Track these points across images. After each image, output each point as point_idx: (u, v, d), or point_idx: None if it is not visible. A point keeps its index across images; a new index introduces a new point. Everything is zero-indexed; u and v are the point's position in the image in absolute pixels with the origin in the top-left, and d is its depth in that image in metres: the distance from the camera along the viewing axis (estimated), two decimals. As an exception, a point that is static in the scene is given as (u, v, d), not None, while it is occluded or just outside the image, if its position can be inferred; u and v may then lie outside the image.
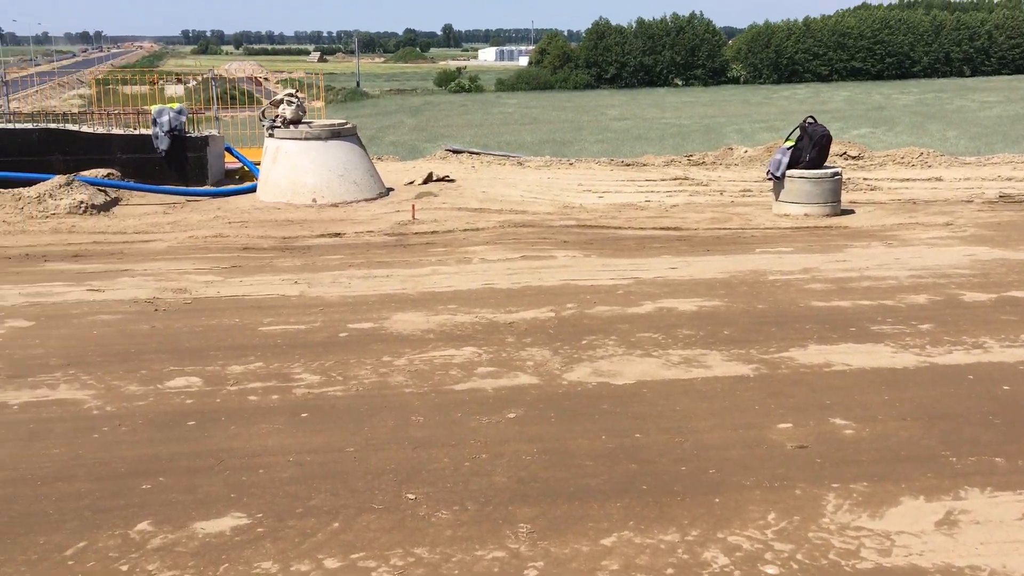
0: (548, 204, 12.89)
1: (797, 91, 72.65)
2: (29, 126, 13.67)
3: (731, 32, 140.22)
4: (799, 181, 11.79)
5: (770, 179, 12.15)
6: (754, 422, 5.31)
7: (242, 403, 5.62)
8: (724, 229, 11.10)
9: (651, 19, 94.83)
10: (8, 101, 15.98)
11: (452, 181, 14.47)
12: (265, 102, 15.62)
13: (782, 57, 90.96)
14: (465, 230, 11.07)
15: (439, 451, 4.95)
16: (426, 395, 5.75)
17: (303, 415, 5.44)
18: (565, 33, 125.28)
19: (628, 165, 17.49)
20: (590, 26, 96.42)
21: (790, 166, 11.84)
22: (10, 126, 13.63)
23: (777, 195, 12.07)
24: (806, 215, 11.72)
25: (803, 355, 6.45)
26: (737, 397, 5.70)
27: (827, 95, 65.20)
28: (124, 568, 3.84)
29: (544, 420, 5.38)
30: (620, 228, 11.23)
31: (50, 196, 11.88)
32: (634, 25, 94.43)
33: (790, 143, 11.90)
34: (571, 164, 17.73)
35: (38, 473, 4.68)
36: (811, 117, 12.23)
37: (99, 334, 6.95)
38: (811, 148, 11.82)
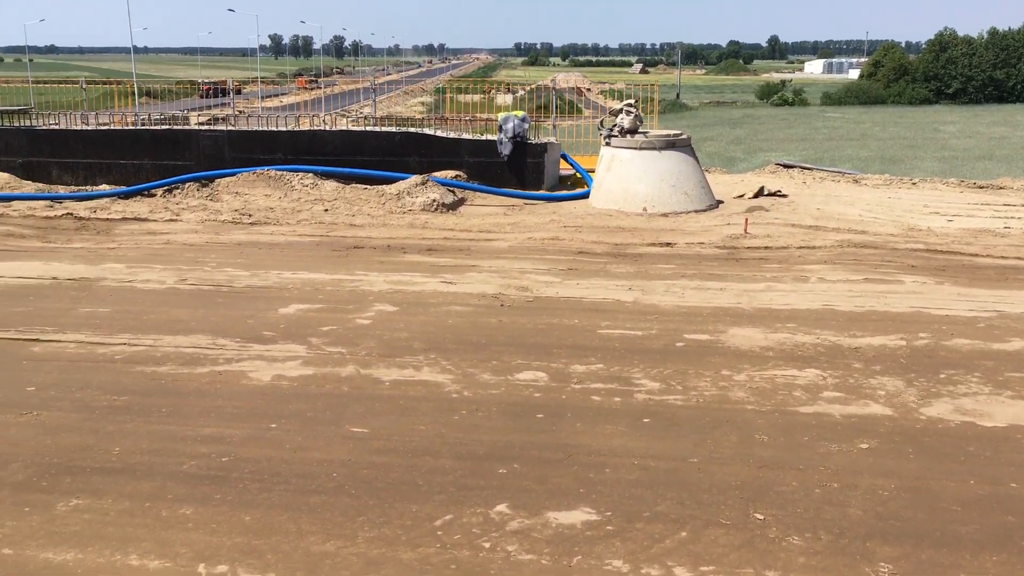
0: (891, 225, 12.09)
1: None
2: (392, 129, 15.07)
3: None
4: None
5: None
6: None
7: (586, 402, 5.79)
8: (1106, 264, 9.79)
9: (1006, 29, 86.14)
10: (376, 106, 17.69)
11: (784, 196, 14.02)
12: (608, 108, 16.02)
13: None
14: (800, 247, 10.66)
15: (786, 474, 4.79)
16: (769, 414, 5.60)
17: (645, 420, 5.50)
18: (903, 44, 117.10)
19: (981, 187, 15.96)
20: (932, 37, 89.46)
21: None
22: (376, 129, 15.11)
23: None
24: None
25: None
26: None
27: None
28: (486, 545, 4.09)
29: (901, 455, 5.03)
30: (976, 255, 10.27)
31: (408, 194, 13.01)
32: (985, 36, 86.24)
33: None
34: (914, 184, 16.50)
35: (408, 446, 5.12)
36: None
37: (453, 323, 7.48)
38: None
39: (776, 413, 5.61)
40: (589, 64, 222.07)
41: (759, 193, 14.00)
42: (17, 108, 17.50)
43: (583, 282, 8.99)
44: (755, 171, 17.98)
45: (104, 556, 3.96)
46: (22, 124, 16.09)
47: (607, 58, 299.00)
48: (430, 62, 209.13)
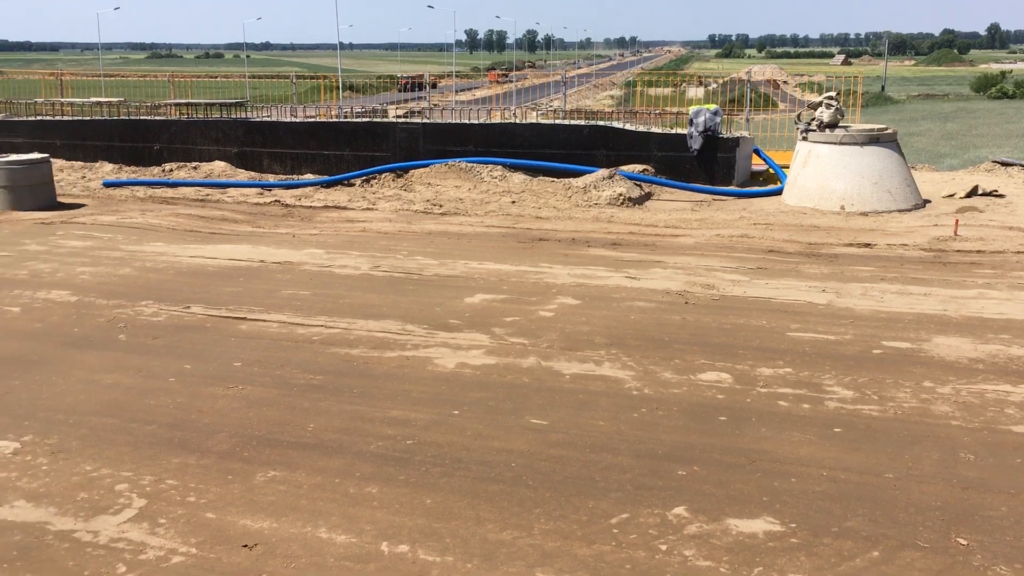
0: (1126, 230, 10.94)
1: None
2: (581, 123, 15.09)
3: None
4: None
5: None
6: None
7: (772, 407, 5.57)
8: None
9: None
10: (565, 100, 17.77)
11: (1001, 196, 12.98)
12: (806, 102, 15.38)
13: None
14: (1018, 252, 9.83)
15: (995, 497, 4.41)
16: (977, 431, 5.18)
17: (836, 430, 5.23)
18: None
19: None
20: None
21: None
22: (565, 122, 15.17)
23: None
24: None
25: None
26: None
27: None
28: (663, 547, 4.00)
29: None
30: None
31: (594, 187, 12.99)
32: None
33: None
34: None
35: (586, 441, 5.10)
36: None
37: (636, 319, 7.39)
38: None
39: (985, 431, 5.19)
40: (787, 56, 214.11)
41: (972, 192, 13.03)
42: (234, 101, 18.79)
43: (773, 282, 8.66)
44: (968, 169, 16.73)
45: (296, 527, 4.17)
46: (238, 116, 17.27)
47: (806, 49, 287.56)
48: (621, 55, 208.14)
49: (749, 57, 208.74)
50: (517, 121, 15.70)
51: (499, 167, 14.30)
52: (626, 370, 6.21)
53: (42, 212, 12.60)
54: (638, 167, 14.15)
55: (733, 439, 5.11)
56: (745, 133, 15.34)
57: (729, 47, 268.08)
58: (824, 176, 12.53)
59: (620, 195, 12.73)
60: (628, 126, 14.85)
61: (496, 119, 16.11)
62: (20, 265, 9.40)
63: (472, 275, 8.92)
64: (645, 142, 14.46)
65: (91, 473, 4.70)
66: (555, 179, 13.87)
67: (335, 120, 16.70)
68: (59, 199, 13.48)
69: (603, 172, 13.39)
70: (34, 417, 5.43)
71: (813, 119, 12.90)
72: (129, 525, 4.18)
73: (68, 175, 15.82)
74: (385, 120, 16.58)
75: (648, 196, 13.31)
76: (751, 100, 17.43)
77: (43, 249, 10.21)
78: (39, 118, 18.09)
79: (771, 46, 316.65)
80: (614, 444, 5.05)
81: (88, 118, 17.70)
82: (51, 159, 13.65)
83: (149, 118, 17.38)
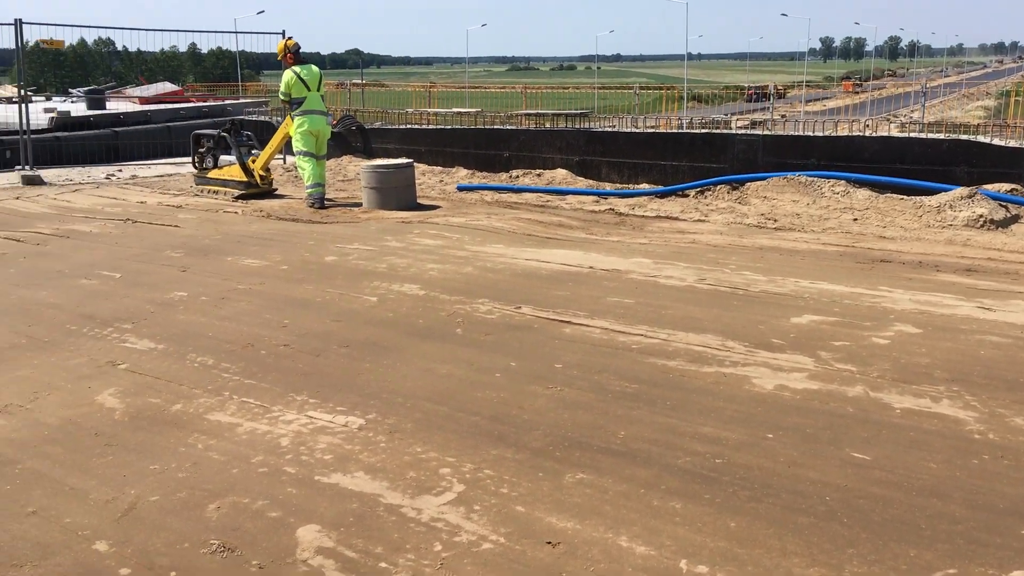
0: None
1: None
2: (939, 136, 13.87)
3: None
4: None
5: None
6: None
7: None
8: None
9: None
10: (924, 111, 16.46)
11: None
12: None
13: None
14: None
15: None
16: None
17: None
18: None
19: None
20: None
21: None
22: (921, 136, 14.03)
23: None
24: None
25: None
26: None
27: None
28: (993, 613, 3.58)
29: None
30: None
31: (949, 207, 11.89)
32: None
33: None
34: None
35: (913, 483, 4.69)
36: None
37: (986, 355, 6.67)
38: None
39: None
40: None
41: None
42: (579, 112, 19.54)
43: None
44: None
45: (598, 531, 4.26)
46: (580, 126, 17.93)
47: None
48: (999, 62, 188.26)
49: None
50: (865, 134, 14.77)
51: (842, 182, 13.55)
52: (968, 410, 5.62)
53: (404, 212, 13.93)
54: (1005, 186, 12.72)
55: (1093, 503, 4.45)
56: None
57: None
58: None
59: (980, 216, 11.53)
60: (996, 140, 13.41)
61: (844, 131, 15.28)
62: (381, 259, 10.47)
63: (801, 294, 8.54)
64: (1017, 159, 12.96)
65: (420, 455, 5.13)
66: (904, 197, 12.87)
67: (673, 131, 16.76)
68: (419, 200, 14.82)
69: (962, 191, 12.21)
70: (378, 397, 6.03)
71: None
72: (448, 508, 4.51)
73: (428, 179, 17.35)
74: (723, 131, 16.36)
75: (1015, 219, 11.92)
76: None
77: (401, 246, 11.30)
78: (408, 126, 20.04)
79: None
80: (946, 490, 4.60)
81: (448, 127, 19.31)
82: (415, 164, 15.06)
83: (501, 127, 18.59)
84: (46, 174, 19.02)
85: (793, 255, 10.44)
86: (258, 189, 15.98)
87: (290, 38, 15.19)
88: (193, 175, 17.25)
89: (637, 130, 16.80)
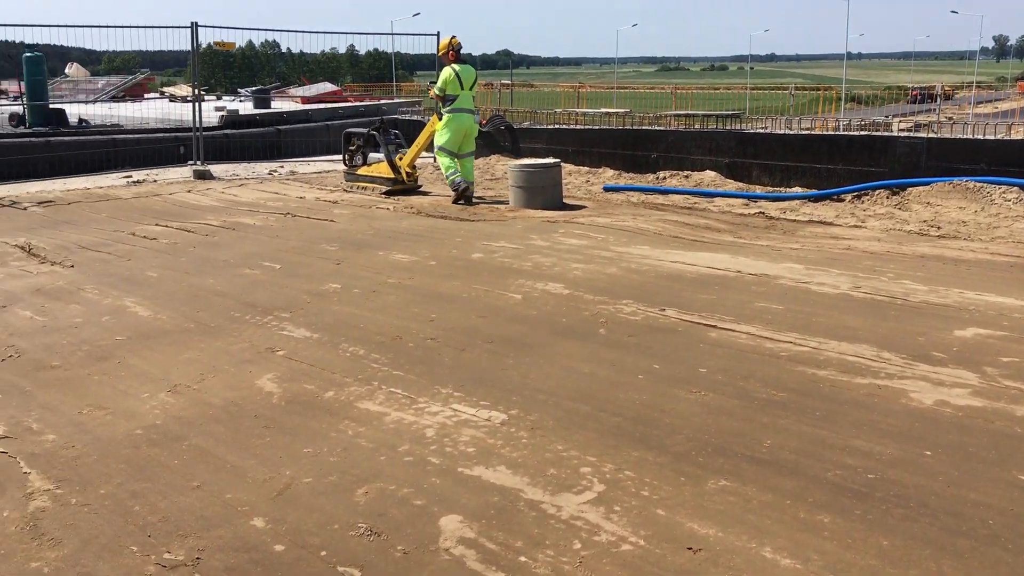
0: None
1: None
2: None
3: None
4: None
5: None
6: None
7: None
8: None
9: None
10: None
11: None
12: None
13: None
14: None
15: None
16: None
17: None
18: None
19: None
20: None
21: None
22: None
23: None
24: None
25: None
26: None
27: None
28: None
29: None
30: None
31: None
32: None
33: None
34: None
35: (1088, 512, 4.36)
36: None
37: None
38: None
39: None
40: None
41: None
42: (730, 113, 19.14)
43: None
44: None
45: (741, 540, 4.17)
46: (731, 127, 17.55)
47: None
48: None
49: None
50: (1043, 137, 13.82)
51: (1014, 188, 12.74)
52: None
53: (549, 211, 14.02)
54: None
55: None
56: None
57: None
58: None
59: None
60: None
61: (1016, 135, 14.35)
62: (526, 257, 10.57)
63: (966, 306, 8.09)
64: None
65: (561, 452, 5.15)
66: (1086, 205, 11.97)
67: (830, 133, 16.17)
68: (564, 200, 14.87)
69: None
70: (520, 394, 6.10)
71: None
72: (588, 507, 4.52)
73: (575, 179, 17.39)
74: (884, 134, 15.66)
75: None
76: None
77: (545, 245, 11.37)
78: (556, 126, 20.15)
79: None
80: (1126, 523, 4.26)
81: (596, 127, 19.29)
82: (562, 164, 15.13)
83: (649, 128, 18.42)
84: (215, 169, 20.17)
85: (958, 264, 9.89)
86: (404, 185, 16.45)
87: (454, 37, 15.54)
88: (343, 172, 17.92)
89: (791, 132, 16.31)
